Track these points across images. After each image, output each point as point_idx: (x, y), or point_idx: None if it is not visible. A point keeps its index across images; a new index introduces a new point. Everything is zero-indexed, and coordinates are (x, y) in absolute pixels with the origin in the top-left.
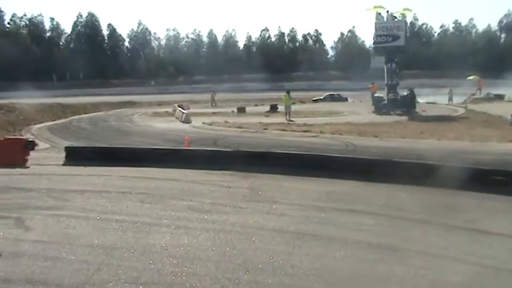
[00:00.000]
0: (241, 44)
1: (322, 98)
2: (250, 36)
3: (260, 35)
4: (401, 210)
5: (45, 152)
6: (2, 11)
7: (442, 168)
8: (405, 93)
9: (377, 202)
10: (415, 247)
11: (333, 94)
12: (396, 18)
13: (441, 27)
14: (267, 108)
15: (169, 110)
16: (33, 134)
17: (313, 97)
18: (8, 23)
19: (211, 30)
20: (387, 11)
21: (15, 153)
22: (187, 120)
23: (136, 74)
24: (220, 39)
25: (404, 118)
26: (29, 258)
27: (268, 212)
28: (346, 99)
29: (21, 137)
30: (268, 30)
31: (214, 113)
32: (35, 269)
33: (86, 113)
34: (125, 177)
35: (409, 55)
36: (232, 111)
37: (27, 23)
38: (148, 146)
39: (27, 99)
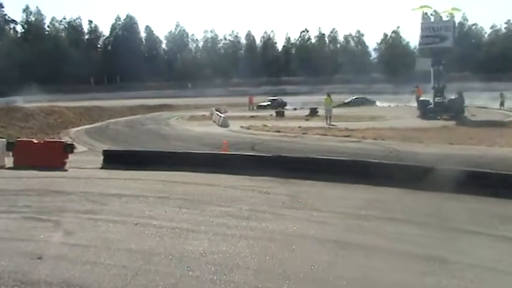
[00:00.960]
0: (280, 46)
1: (348, 101)
2: (289, 38)
3: (300, 36)
4: (449, 220)
5: (83, 155)
6: (42, 15)
7: (492, 176)
8: (453, 97)
9: (423, 211)
10: (465, 259)
11: (360, 97)
12: (444, 18)
13: (492, 27)
14: (307, 112)
15: (206, 113)
16: (71, 137)
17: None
18: (48, 26)
19: (249, 31)
20: (434, 11)
21: (54, 156)
22: (224, 124)
23: (173, 76)
24: (258, 40)
25: (452, 123)
26: (68, 262)
27: (309, 220)
28: (374, 102)
29: (60, 140)
30: (308, 31)
31: (252, 117)
32: (74, 272)
33: (123, 116)
34: (163, 182)
35: (457, 57)
36: (271, 115)
37: (66, 26)
38: (186, 150)
39: (66, 102)
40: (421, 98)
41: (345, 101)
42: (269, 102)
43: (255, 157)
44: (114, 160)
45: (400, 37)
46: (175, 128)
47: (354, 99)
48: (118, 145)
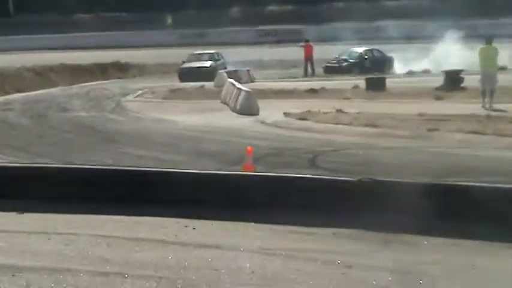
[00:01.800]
0: None
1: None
2: None
3: None
4: None
5: None
6: None
7: None
8: None
9: None
10: None
11: None
12: None
13: None
14: (435, 79)
15: (208, 84)
16: None
17: None
18: None
19: None
20: None
21: None
22: (249, 108)
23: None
24: None
25: None
26: None
27: None
28: None
29: None
30: None
31: (312, 91)
32: None
33: (23, 90)
34: (101, 238)
35: None
36: (355, 87)
37: None
38: (153, 168)
39: None
40: None
41: None
42: (352, 59)
43: (320, 183)
44: None
45: None
46: (137, 116)
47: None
48: (10, 156)
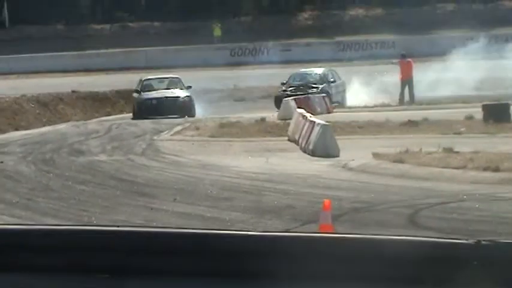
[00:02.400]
0: None
1: None
2: None
3: None
4: None
5: None
6: None
7: None
8: None
9: None
10: None
11: None
12: None
13: None
14: None
15: (271, 115)
16: None
17: None
18: None
19: None
20: None
21: None
22: (326, 148)
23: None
24: None
25: None
26: None
27: None
28: None
29: None
30: None
31: (410, 124)
32: None
33: (19, 128)
34: None
35: None
36: (469, 118)
37: None
38: (189, 228)
39: None
40: None
41: None
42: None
43: (422, 247)
44: None
45: None
46: (177, 161)
47: None
48: (5, 216)
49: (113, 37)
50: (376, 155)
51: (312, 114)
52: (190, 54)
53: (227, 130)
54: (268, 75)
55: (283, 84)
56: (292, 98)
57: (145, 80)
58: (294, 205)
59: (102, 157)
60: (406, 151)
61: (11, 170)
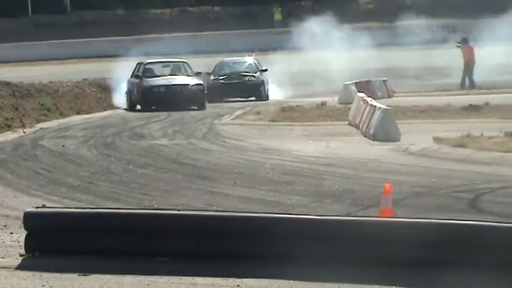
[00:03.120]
0: None
1: None
2: None
3: None
4: None
5: None
6: None
7: None
8: None
9: None
10: None
11: None
12: None
13: None
14: None
15: (331, 100)
16: None
17: None
18: None
19: None
20: None
21: None
22: (387, 132)
23: None
24: None
25: None
26: None
27: None
28: None
29: None
30: None
31: (471, 108)
32: None
33: (81, 112)
34: None
35: None
36: None
37: None
38: (250, 212)
39: None
40: None
41: None
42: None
43: (486, 231)
44: (53, 242)
45: None
46: (238, 145)
47: None
48: (67, 199)
49: (172, 22)
50: (437, 140)
51: (372, 98)
52: (251, 38)
53: (288, 114)
54: (329, 60)
55: (208, 74)
56: (352, 82)
57: (147, 63)
58: (354, 189)
59: (163, 141)
60: (467, 135)
61: (73, 154)
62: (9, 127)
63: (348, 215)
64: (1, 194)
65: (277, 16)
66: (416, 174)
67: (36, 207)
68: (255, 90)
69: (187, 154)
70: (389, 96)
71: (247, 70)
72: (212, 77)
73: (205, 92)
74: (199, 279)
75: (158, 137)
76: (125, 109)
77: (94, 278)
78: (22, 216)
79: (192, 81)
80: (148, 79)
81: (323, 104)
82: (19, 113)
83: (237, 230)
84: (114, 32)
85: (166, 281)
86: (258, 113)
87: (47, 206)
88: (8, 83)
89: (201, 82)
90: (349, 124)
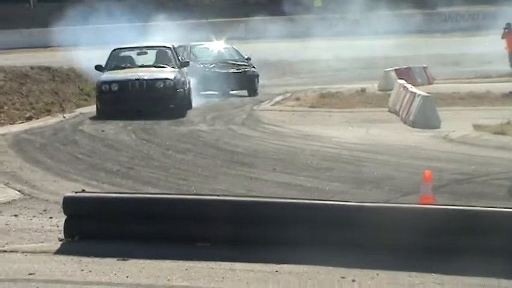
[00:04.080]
0: None
1: None
2: None
3: None
4: None
5: (8, 211)
6: None
7: None
8: None
9: None
10: None
11: None
12: None
13: None
14: None
15: (371, 86)
16: None
17: None
18: None
19: None
20: None
21: None
22: (427, 119)
23: None
24: None
25: None
26: None
27: None
28: None
29: None
30: None
31: (511, 95)
32: None
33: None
34: None
35: None
36: None
37: None
38: (287, 198)
39: None
40: None
41: None
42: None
43: None
44: (93, 227)
45: None
46: (277, 131)
47: None
48: (106, 184)
49: (211, 6)
50: (477, 127)
51: (412, 85)
52: (287, 24)
53: (327, 101)
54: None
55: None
56: (392, 68)
57: (114, 50)
58: (394, 176)
59: (203, 127)
60: (508, 123)
61: (112, 139)
62: (49, 112)
63: (387, 201)
64: (41, 178)
65: (318, 3)
66: (456, 161)
67: (76, 192)
68: (250, 82)
69: (227, 140)
70: (430, 83)
71: (234, 58)
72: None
73: (184, 89)
74: (237, 265)
75: (197, 123)
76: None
77: (133, 262)
78: (61, 201)
79: (166, 74)
80: (108, 72)
81: (363, 90)
82: (59, 97)
83: (275, 216)
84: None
85: (205, 266)
86: (297, 99)
87: (86, 190)
88: (47, 68)
89: (180, 77)
90: (389, 111)
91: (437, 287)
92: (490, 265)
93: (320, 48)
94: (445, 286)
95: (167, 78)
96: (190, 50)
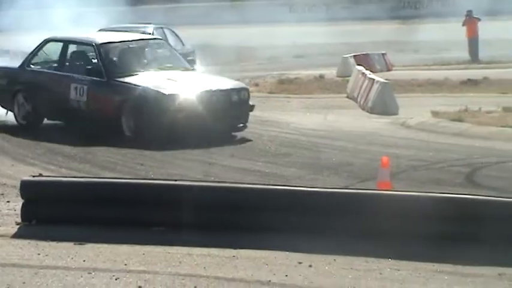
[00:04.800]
0: None
1: None
2: None
3: None
4: None
5: None
6: None
7: None
8: None
9: None
10: None
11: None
12: None
13: None
14: None
15: (329, 72)
16: None
17: None
18: None
19: None
20: None
21: None
22: (385, 105)
23: None
24: None
25: None
26: None
27: None
28: None
29: None
30: None
31: (470, 83)
32: None
33: None
34: (186, 279)
35: None
36: None
37: None
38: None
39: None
40: None
41: None
42: None
43: (480, 205)
44: (50, 211)
45: None
46: None
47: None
48: (64, 169)
49: None
50: (435, 113)
51: (371, 71)
52: (243, 10)
53: (286, 87)
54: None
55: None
56: (350, 55)
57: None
58: (352, 162)
59: None
60: (465, 110)
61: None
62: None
63: (346, 187)
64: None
65: None
66: (414, 147)
67: (33, 176)
68: None
69: None
70: (388, 70)
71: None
72: None
73: None
74: (195, 250)
75: None
76: None
77: (90, 247)
78: (19, 185)
79: (230, 82)
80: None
81: (321, 76)
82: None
83: (233, 201)
84: None
85: (162, 250)
86: (256, 84)
87: (43, 175)
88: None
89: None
90: (347, 97)
91: (394, 272)
92: (446, 250)
93: (277, 35)
94: (402, 271)
95: (243, 88)
96: None
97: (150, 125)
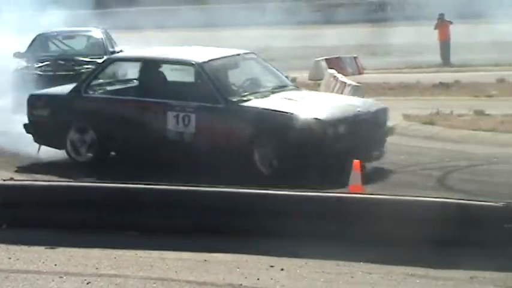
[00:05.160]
0: None
1: None
2: None
3: None
4: None
5: None
6: None
7: None
8: None
9: None
10: None
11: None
12: None
13: None
14: None
15: (300, 75)
16: None
17: None
18: None
19: None
20: None
21: None
22: None
23: None
24: None
25: None
26: None
27: None
28: None
29: None
30: None
31: (441, 86)
32: None
33: None
34: (157, 282)
35: None
36: (501, 81)
37: None
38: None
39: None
40: None
41: None
42: None
43: (449, 209)
44: (21, 215)
45: None
46: None
47: None
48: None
49: None
50: (406, 117)
51: (343, 75)
52: (206, 13)
53: None
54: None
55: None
56: (322, 58)
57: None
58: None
59: None
60: (437, 113)
61: None
62: None
63: (317, 191)
64: None
65: None
66: (386, 151)
67: (4, 180)
68: None
69: None
70: (360, 73)
71: (88, 52)
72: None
73: None
74: (167, 253)
75: None
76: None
77: (61, 251)
78: None
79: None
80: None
81: (293, 80)
82: None
83: (207, 204)
84: None
85: (134, 254)
86: None
87: (14, 178)
88: None
89: None
90: None
91: (365, 275)
92: (418, 253)
93: (248, 38)
94: (373, 275)
95: (386, 108)
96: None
97: (302, 158)
